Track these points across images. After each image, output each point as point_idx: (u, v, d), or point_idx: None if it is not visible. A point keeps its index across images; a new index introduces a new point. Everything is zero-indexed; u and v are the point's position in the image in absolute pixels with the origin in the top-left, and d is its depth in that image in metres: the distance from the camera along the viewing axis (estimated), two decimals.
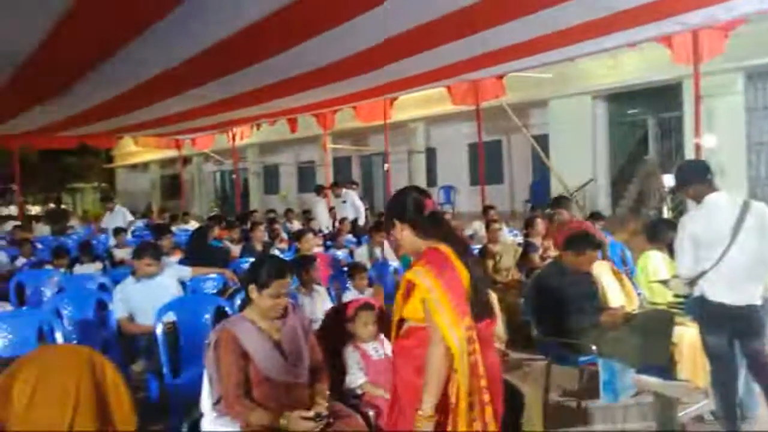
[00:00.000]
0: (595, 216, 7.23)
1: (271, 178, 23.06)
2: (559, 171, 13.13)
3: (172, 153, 18.84)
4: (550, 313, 3.97)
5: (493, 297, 4.41)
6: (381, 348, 3.19)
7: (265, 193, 22.82)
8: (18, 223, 12.11)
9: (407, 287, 2.25)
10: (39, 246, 8.27)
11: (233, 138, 14.86)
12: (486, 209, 8.65)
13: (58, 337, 3.78)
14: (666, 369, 3.61)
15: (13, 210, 20.92)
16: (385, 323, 3.24)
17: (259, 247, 6.99)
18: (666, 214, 10.57)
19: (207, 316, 4.00)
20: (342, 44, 6.05)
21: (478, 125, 9.90)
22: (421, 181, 17.20)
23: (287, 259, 5.46)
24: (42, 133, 11.71)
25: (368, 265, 5.81)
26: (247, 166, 22.09)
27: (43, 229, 11.00)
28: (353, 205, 10.04)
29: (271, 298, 2.66)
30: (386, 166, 12.63)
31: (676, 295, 3.83)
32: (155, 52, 5.88)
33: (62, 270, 6.19)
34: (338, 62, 6.68)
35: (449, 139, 17.06)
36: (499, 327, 4.26)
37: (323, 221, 10.16)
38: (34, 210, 25.75)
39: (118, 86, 7.43)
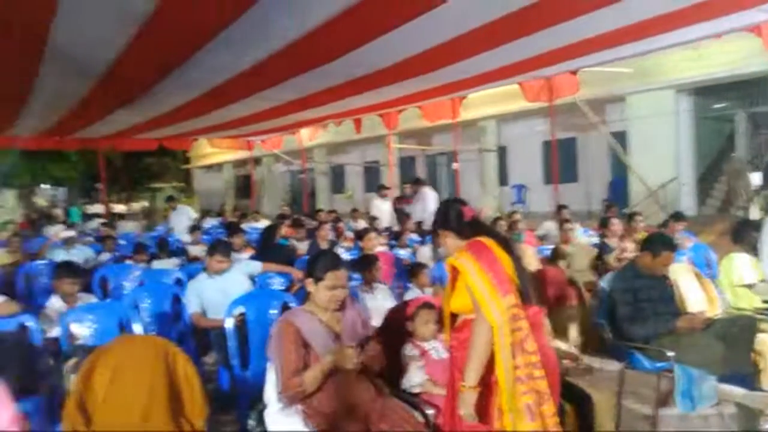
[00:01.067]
0: (676, 216, 6.88)
1: (337, 177, 23.40)
2: (638, 169, 12.57)
3: (244, 154, 19.48)
4: (625, 316, 3.81)
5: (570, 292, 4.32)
6: (441, 348, 3.16)
7: (332, 192, 23.17)
8: (104, 220, 12.88)
9: (452, 276, 2.42)
10: (122, 242, 8.77)
11: (301, 139, 15.18)
12: (559, 209, 8.41)
13: (137, 328, 3.98)
14: (749, 378, 3.38)
15: (98, 208, 22.24)
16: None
17: (324, 246, 7.09)
18: (755, 214, 9.91)
19: (274, 311, 4.09)
20: (409, 43, 6.03)
21: (552, 122, 9.63)
22: (492, 180, 16.92)
23: (351, 257, 5.53)
24: (124, 135, 12.37)
25: (431, 265, 5.78)
26: (314, 166, 22.51)
27: (126, 226, 11.63)
28: (424, 206, 9.95)
29: (328, 290, 2.74)
30: (454, 165, 12.49)
31: (766, 301, 3.58)
32: (227, 57, 6.08)
33: (142, 265, 6.52)
34: (405, 61, 6.65)
35: (521, 136, 16.68)
36: (572, 331, 4.15)
37: (384, 220, 10.20)
38: (118, 208, 27.30)
39: (192, 90, 7.73)
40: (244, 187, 24.07)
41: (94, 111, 9.10)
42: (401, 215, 9.87)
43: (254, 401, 3.46)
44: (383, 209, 10.56)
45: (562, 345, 3.67)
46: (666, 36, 6.60)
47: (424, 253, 6.41)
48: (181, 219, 10.54)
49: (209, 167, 29.92)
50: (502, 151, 17.53)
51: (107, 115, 9.52)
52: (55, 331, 3.96)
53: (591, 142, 15.24)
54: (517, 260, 2.40)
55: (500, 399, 2.22)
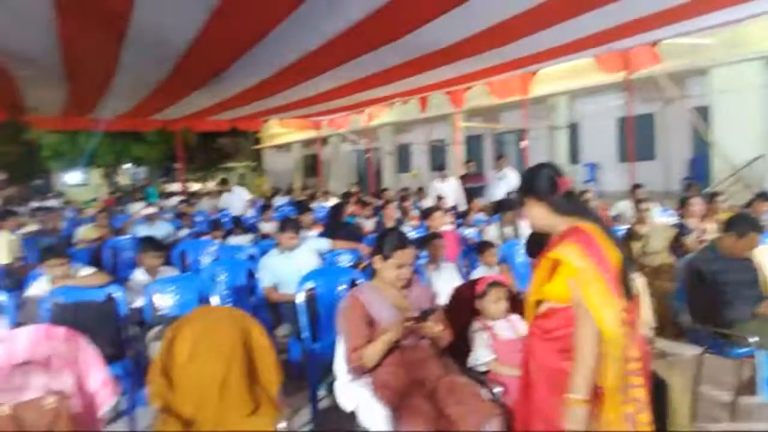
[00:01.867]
0: (763, 196, 6.47)
1: (403, 157, 23.37)
2: (721, 146, 11.86)
3: (311, 134, 19.79)
4: (705, 299, 3.64)
5: (640, 281, 4.17)
6: (510, 327, 3.13)
7: (397, 172, 23.20)
8: (182, 198, 13.49)
9: (552, 266, 2.14)
10: (198, 219, 9.18)
11: (368, 118, 15.24)
12: (634, 188, 8.07)
13: (215, 300, 4.18)
14: None
15: (176, 187, 23.30)
16: (514, 303, 3.19)
17: (390, 224, 7.15)
18: None
19: (342, 287, 4.17)
20: (478, 18, 5.91)
21: (628, 97, 9.22)
22: (562, 159, 16.40)
23: (417, 235, 5.55)
24: (199, 116, 12.86)
25: (498, 244, 5.71)
26: (380, 145, 22.58)
27: (203, 204, 12.11)
28: (509, 184, 9.76)
29: (395, 268, 2.78)
30: (523, 143, 12.18)
31: None
32: (297, 36, 6.18)
33: (218, 241, 6.81)
34: (474, 36, 6.53)
35: (595, 113, 16.02)
36: (647, 313, 4.01)
37: (448, 200, 10.14)
38: (194, 187, 28.48)
39: (263, 71, 7.93)
40: (312, 166, 24.50)
41: (172, 94, 9.51)
42: (471, 194, 9.76)
43: (324, 373, 3.59)
44: (445, 190, 10.51)
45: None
46: (752, 4, 6.15)
47: (491, 233, 6.34)
48: (234, 200, 10.90)
49: (279, 147, 30.59)
50: (573, 128, 16.93)
51: (184, 97, 9.93)
52: (139, 302, 4.23)
53: (670, 117, 14.44)
54: (621, 248, 2.15)
55: (598, 408, 2.03)
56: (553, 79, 13.91)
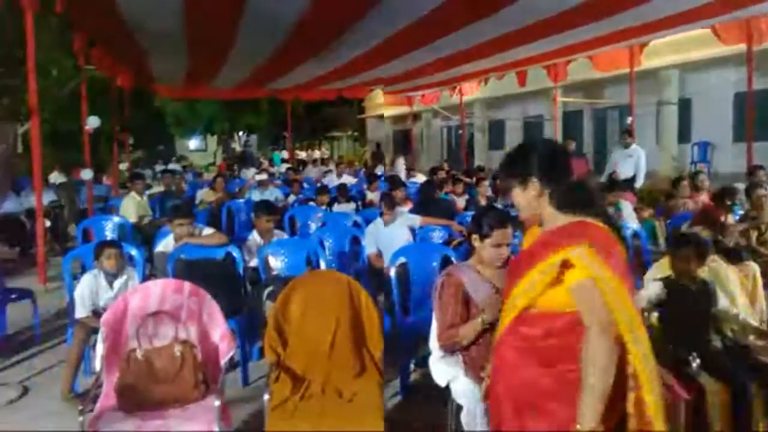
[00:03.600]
0: None
1: (495, 133, 22.69)
2: None
3: (404, 109, 19.72)
4: None
5: (755, 270, 3.84)
6: None
7: (489, 149, 22.58)
8: (290, 165, 14.05)
9: (559, 269, 1.75)
10: (306, 186, 9.53)
11: (460, 93, 14.92)
12: (753, 170, 7.29)
13: (322, 264, 4.35)
14: None
15: (284, 154, 24.29)
16: None
17: (483, 202, 7.10)
18: None
19: (435, 263, 4.22)
20: None
21: (749, 71, 8.34)
22: (670, 137, 15.25)
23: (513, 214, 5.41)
24: (308, 86, 13.22)
25: None
26: (473, 121, 22.08)
27: (309, 171, 12.58)
28: (637, 163, 9.24)
29: (493, 248, 2.73)
30: (629, 119, 11.40)
31: None
32: (404, 6, 6.14)
33: (323, 208, 7.04)
34: (581, 5, 6.16)
35: (709, 87, 14.64)
36: (762, 305, 3.70)
37: None
38: (302, 155, 29.49)
39: (368, 43, 8.02)
40: (403, 141, 24.49)
41: (284, 64, 9.84)
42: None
43: (416, 347, 3.63)
44: None
45: (752, 321, 3.29)
46: None
47: None
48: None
49: (381, 117, 30.88)
50: (684, 104, 15.57)
51: (295, 67, 10.24)
52: (253, 262, 4.48)
53: None
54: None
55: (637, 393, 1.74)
56: (662, 51, 12.87)
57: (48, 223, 7.77)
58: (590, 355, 1.67)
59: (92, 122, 8.37)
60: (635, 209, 6.41)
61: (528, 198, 1.86)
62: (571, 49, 9.33)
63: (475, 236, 2.81)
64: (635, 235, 5.32)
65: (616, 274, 1.69)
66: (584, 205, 1.82)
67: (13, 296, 4.84)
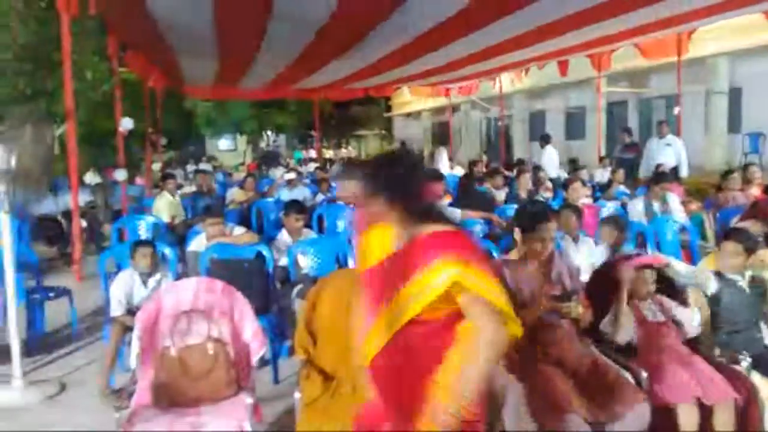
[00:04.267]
0: None
1: (536, 125, 22.40)
2: None
3: (442, 101, 19.62)
4: None
5: None
6: (657, 309, 3.00)
7: (529, 140, 22.34)
8: (318, 164, 14.12)
9: (446, 291, 1.75)
10: (334, 184, 9.55)
11: (500, 85, 14.76)
12: None
13: (350, 263, 4.35)
14: None
15: (312, 153, 24.44)
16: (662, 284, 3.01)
17: (523, 195, 6.97)
18: None
19: None
20: None
21: None
22: (720, 127, 14.78)
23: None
24: (335, 85, 13.25)
25: (644, 221, 5.33)
26: (512, 113, 21.85)
27: (335, 169, 12.59)
28: (677, 153, 9.03)
29: (536, 241, 2.71)
30: (677, 109, 11.07)
31: None
32: (430, 5, 6.11)
33: (352, 206, 7.05)
34: None
35: (761, 76, 14.17)
36: None
37: (550, 171, 9.76)
38: (329, 154, 29.64)
39: (397, 41, 7.96)
40: (441, 134, 24.41)
41: (311, 63, 9.87)
42: (619, 165, 9.20)
43: None
44: (543, 159, 10.07)
45: None
46: None
47: (636, 208, 5.91)
48: None
49: (408, 115, 30.82)
50: (734, 93, 15.10)
51: (322, 66, 10.27)
52: (282, 260, 4.52)
53: None
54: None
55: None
56: (712, 38, 12.50)
57: (84, 223, 7.95)
58: (487, 342, 1.71)
59: (126, 124, 8.54)
60: (683, 202, 6.23)
61: (373, 210, 1.88)
62: (615, 37, 9.03)
63: (517, 229, 2.80)
64: (683, 229, 5.16)
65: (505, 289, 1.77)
66: (436, 217, 1.83)
67: (51, 294, 4.95)
